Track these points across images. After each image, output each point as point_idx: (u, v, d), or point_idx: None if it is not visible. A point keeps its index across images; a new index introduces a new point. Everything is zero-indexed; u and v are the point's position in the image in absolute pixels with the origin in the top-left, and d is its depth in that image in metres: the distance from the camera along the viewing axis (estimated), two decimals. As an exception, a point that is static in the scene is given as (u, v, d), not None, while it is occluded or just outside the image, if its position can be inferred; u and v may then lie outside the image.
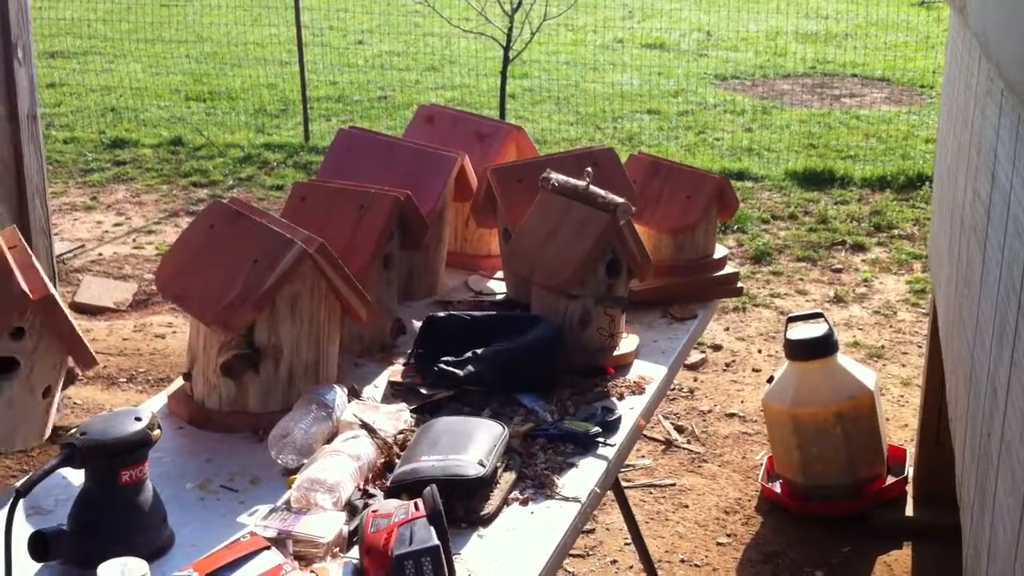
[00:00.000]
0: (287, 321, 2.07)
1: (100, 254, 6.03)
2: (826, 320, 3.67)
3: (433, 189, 2.70)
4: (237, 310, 2.01)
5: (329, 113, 9.26)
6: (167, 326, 5.07)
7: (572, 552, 3.38)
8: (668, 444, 4.04)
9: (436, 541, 1.55)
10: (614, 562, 3.37)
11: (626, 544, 3.38)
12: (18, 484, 1.56)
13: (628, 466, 3.82)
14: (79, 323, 4.87)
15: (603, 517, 3.57)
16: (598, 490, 1.94)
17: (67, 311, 1.87)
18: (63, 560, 1.62)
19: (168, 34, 12.38)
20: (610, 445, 2.06)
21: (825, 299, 5.47)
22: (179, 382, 2.18)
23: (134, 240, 6.28)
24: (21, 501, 1.54)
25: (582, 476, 1.95)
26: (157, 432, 1.66)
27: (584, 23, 13.07)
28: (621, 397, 2.26)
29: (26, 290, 1.69)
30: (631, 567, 3.32)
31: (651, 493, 3.74)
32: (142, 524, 1.64)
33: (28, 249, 1.90)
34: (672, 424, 4.17)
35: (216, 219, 2.19)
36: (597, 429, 2.08)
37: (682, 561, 3.37)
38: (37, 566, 1.63)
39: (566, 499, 1.88)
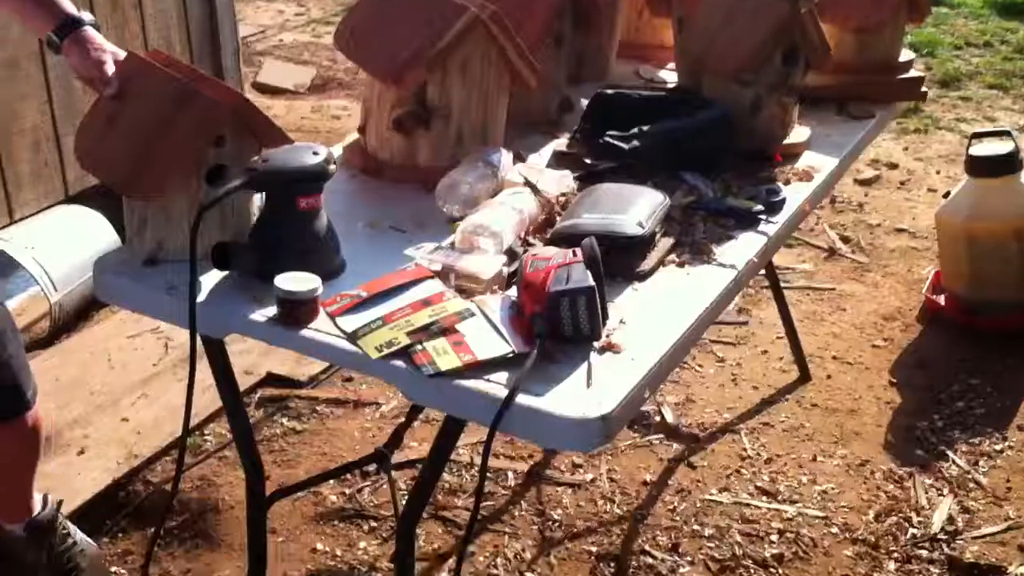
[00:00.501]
0: (457, 83, 2.11)
1: (281, 40, 6.19)
2: (1013, 139, 3.51)
3: (609, -29, 2.65)
4: (410, 68, 2.06)
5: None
6: (343, 108, 5.21)
7: (723, 339, 3.43)
8: (831, 252, 3.99)
9: (592, 283, 1.60)
10: (764, 352, 3.40)
11: (778, 338, 3.39)
12: (203, 202, 1.67)
13: (788, 269, 3.79)
14: (260, 101, 5.08)
15: (757, 312, 3.58)
16: (755, 260, 1.95)
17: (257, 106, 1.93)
18: (242, 272, 1.74)
19: None
20: (772, 223, 2.05)
21: (1015, 127, 5.20)
22: (353, 135, 2.26)
23: (313, 29, 6.40)
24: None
25: (740, 247, 1.96)
26: (332, 167, 1.74)
27: None
28: (787, 182, 2.24)
29: (216, 99, 1.76)
30: (781, 358, 3.35)
31: (808, 295, 3.72)
32: (316, 248, 1.74)
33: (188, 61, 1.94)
34: (838, 234, 4.10)
35: (394, -17, 2.21)
36: (760, 207, 2.07)
37: (834, 358, 3.38)
38: (220, 275, 1.76)
39: (722, 265, 1.90)
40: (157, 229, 1.81)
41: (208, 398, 2.83)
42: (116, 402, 3.04)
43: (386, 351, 1.57)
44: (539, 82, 2.23)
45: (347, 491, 2.79)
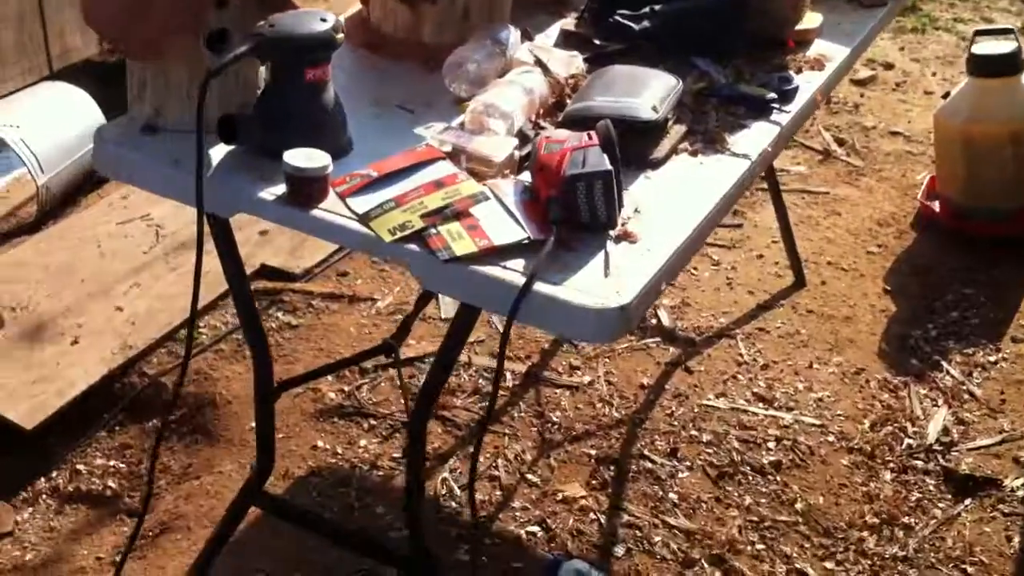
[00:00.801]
0: (464, -42, 2.03)
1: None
2: (1017, 38, 3.45)
3: None
4: (417, -64, 1.97)
5: None
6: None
7: (718, 243, 3.39)
8: (826, 155, 3.94)
9: (609, 166, 1.55)
10: (760, 256, 3.37)
11: (773, 242, 3.36)
12: (209, 67, 1.59)
13: (783, 171, 3.75)
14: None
15: (752, 215, 3.54)
16: (769, 150, 1.91)
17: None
18: (248, 147, 1.68)
19: None
20: (785, 112, 2.00)
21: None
22: (356, 7, 2.18)
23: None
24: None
25: (753, 136, 1.91)
26: (340, 36, 1.66)
27: None
28: (799, 71, 2.18)
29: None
30: (776, 263, 3.32)
31: (803, 198, 3.68)
32: (324, 123, 1.68)
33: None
34: (833, 136, 4.05)
35: None
36: (773, 95, 2.02)
37: (829, 264, 3.35)
38: (226, 150, 1.69)
39: (736, 155, 1.85)
40: (156, 94, 1.74)
41: (202, 289, 2.77)
42: (108, 291, 2.97)
43: (399, 234, 1.53)
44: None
45: (346, 388, 2.75)
